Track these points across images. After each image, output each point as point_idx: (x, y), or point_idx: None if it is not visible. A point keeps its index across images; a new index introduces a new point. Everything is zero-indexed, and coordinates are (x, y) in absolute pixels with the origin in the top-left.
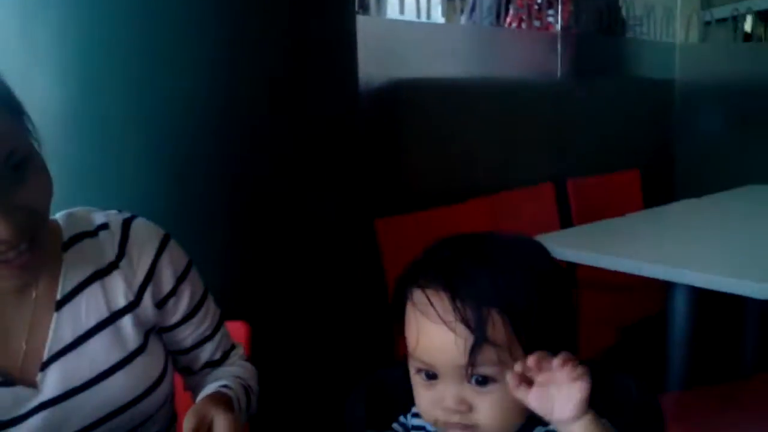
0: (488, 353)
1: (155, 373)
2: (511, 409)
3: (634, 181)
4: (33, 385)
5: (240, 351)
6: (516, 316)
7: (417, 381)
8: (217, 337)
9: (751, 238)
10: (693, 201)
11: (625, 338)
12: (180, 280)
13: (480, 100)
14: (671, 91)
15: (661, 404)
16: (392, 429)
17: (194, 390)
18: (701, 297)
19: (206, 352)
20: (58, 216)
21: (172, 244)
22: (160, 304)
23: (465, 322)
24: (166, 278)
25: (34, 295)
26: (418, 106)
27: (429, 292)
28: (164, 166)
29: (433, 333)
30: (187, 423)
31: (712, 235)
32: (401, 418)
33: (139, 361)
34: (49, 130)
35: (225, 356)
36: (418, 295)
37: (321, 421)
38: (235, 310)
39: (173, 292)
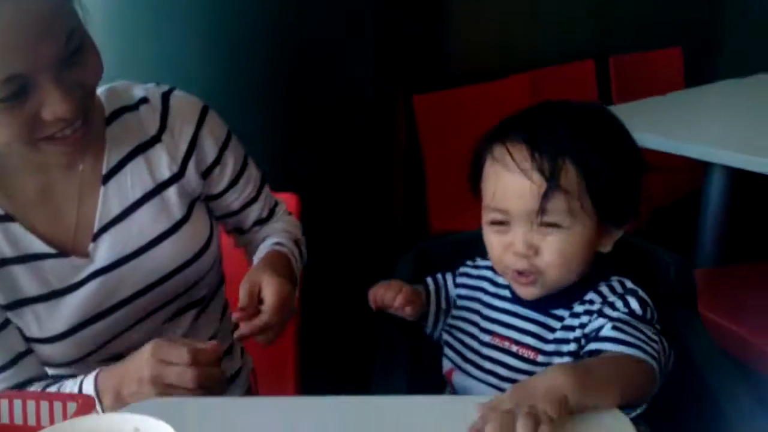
0: (559, 200)
1: (201, 240)
2: (573, 256)
3: (676, 59)
4: (85, 255)
5: (283, 207)
6: (588, 167)
7: (489, 231)
8: (262, 196)
9: None
10: (736, 81)
11: (658, 217)
12: (223, 148)
13: None
14: None
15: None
16: (424, 282)
17: (247, 247)
18: (737, 178)
19: (254, 212)
20: (99, 91)
21: (212, 114)
22: (206, 173)
23: (540, 169)
24: (209, 148)
25: (81, 169)
26: None
27: (509, 144)
28: (206, 37)
29: (510, 180)
30: (242, 288)
31: (753, 115)
32: (437, 275)
33: (184, 230)
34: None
35: (271, 213)
36: (498, 149)
37: (366, 282)
38: (284, 182)
39: (218, 161)
